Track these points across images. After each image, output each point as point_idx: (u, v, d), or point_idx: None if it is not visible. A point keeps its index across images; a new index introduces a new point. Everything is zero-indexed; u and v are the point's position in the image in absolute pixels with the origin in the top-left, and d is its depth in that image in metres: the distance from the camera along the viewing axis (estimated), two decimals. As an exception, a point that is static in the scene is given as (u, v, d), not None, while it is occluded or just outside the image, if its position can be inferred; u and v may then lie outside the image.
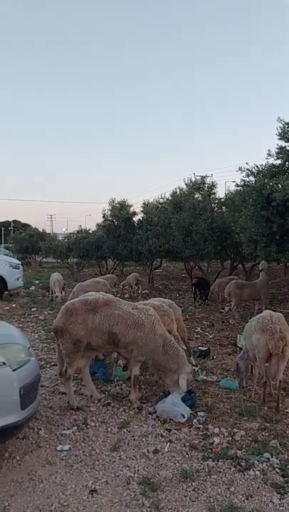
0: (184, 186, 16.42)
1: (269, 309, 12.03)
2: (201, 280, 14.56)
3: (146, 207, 17.71)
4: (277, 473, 3.63)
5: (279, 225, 9.91)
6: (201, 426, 4.51)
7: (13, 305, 12.83)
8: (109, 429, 4.47)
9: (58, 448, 4.06)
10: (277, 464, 3.76)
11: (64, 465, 3.79)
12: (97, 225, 21.83)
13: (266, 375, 5.16)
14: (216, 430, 4.39)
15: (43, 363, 6.76)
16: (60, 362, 5.27)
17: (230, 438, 4.25)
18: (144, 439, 4.25)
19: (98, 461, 3.85)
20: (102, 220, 18.76)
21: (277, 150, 11.34)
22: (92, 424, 4.58)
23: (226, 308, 12.19)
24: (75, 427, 4.48)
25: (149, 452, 3.98)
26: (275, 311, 12.02)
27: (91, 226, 21.71)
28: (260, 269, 11.80)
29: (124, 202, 18.33)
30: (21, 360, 3.82)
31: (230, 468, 3.71)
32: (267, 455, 3.87)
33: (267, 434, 4.35)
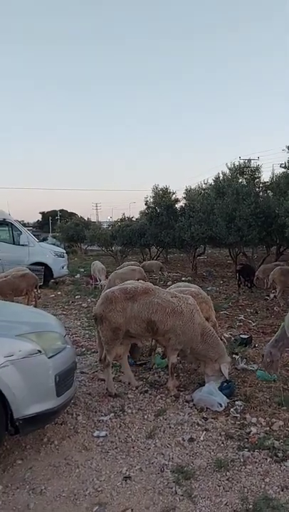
0: (227, 171, 16.06)
1: None
2: (246, 267, 14.27)
3: (189, 193, 17.51)
4: (315, 465, 3.53)
5: None
6: (238, 415, 4.45)
7: (59, 293, 13.13)
8: (145, 417, 4.49)
9: (95, 434, 4.13)
10: (315, 456, 3.65)
11: (100, 451, 3.85)
12: (141, 212, 21.86)
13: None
14: (254, 420, 4.32)
15: (83, 349, 6.90)
16: (100, 349, 5.35)
17: (268, 428, 4.17)
18: (179, 427, 4.25)
19: (133, 447, 3.89)
20: (145, 207, 18.74)
21: None
22: (129, 411, 4.62)
23: (271, 296, 11.91)
24: (112, 414, 4.54)
25: (184, 440, 3.98)
26: None
27: (135, 214, 21.86)
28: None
29: (167, 189, 18.22)
30: (57, 348, 3.89)
31: (266, 459, 3.64)
32: (305, 446, 3.77)
33: (306, 425, 4.23)
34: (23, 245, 13.94)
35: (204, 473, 3.48)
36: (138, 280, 10.47)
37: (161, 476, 3.44)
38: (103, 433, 4.13)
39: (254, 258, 16.92)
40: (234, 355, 6.20)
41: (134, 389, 5.22)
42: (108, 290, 5.31)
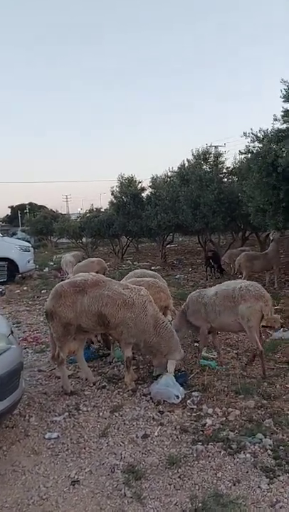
0: (192, 158, 15.93)
1: (283, 278, 11.94)
2: (215, 253, 14.28)
3: (155, 181, 17.35)
4: (269, 455, 3.46)
5: (286, 192, 9.49)
6: (195, 406, 4.36)
7: (25, 288, 12.85)
8: (100, 414, 4.35)
9: (46, 436, 3.97)
10: (269, 445, 3.58)
11: (50, 454, 3.70)
12: (109, 202, 21.60)
13: (260, 343, 5.09)
14: (210, 411, 4.23)
15: (43, 346, 6.72)
16: (52, 346, 5.17)
17: (224, 418, 4.09)
18: (134, 423, 4.13)
19: (85, 448, 3.74)
20: (111, 197, 18.50)
21: (282, 113, 10.82)
22: (84, 409, 4.47)
23: (238, 281, 11.93)
24: (67, 413, 4.38)
25: (138, 437, 3.86)
26: (288, 280, 11.87)
27: (105, 204, 21.56)
28: (271, 239, 11.48)
29: (132, 178, 18.02)
30: (-1, 350, 3.70)
31: (219, 452, 3.55)
32: (260, 436, 3.70)
33: (263, 412, 4.17)
34: (-15, 241, 13.53)
35: (156, 471, 3.36)
36: (97, 272, 10.39)
37: (111, 478, 3.31)
38: (55, 435, 3.98)
39: (221, 244, 16.97)
40: (195, 343, 6.12)
41: (91, 385, 5.07)
42: (58, 284, 5.12)
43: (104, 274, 10.75)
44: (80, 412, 4.42)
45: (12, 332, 4.21)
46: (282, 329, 6.89)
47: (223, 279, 12.68)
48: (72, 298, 4.82)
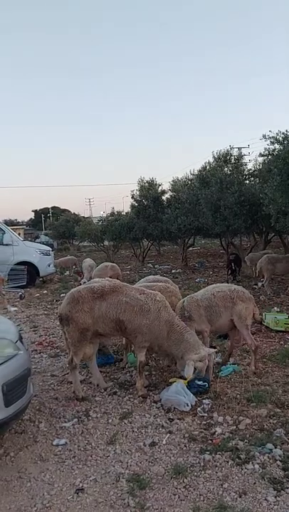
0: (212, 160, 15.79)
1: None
2: (237, 256, 14.11)
3: (175, 184, 17.28)
4: (278, 466, 3.35)
5: (307, 194, 9.31)
6: (206, 414, 4.28)
7: (44, 291, 12.95)
8: (109, 421, 4.31)
9: (54, 442, 3.95)
10: (279, 455, 3.48)
11: (56, 461, 3.67)
12: (130, 206, 21.66)
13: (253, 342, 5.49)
14: (220, 419, 4.14)
15: (58, 351, 6.73)
16: (68, 350, 5.16)
17: (235, 427, 3.99)
18: (143, 430, 4.07)
19: (91, 456, 3.70)
20: (132, 200, 18.53)
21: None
22: (94, 415, 4.44)
23: (259, 284, 11.75)
24: (76, 419, 4.35)
25: (145, 445, 3.80)
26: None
27: (128, 208, 21.57)
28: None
29: (153, 181, 18.00)
30: (6, 356, 3.70)
31: (227, 462, 3.46)
32: (270, 446, 3.60)
33: (275, 421, 4.06)
34: (6, 245, 13.71)
35: (161, 481, 3.29)
36: (110, 277, 10.46)
37: (115, 487, 3.26)
38: (63, 441, 3.95)
39: (245, 247, 16.76)
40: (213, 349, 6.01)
41: (102, 391, 5.04)
42: (74, 289, 5.11)
43: (118, 279, 10.88)
44: (90, 418, 4.39)
45: (21, 337, 4.21)
46: (301, 334, 6.72)
47: (245, 282, 12.53)
48: (90, 304, 4.81)
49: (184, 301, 5.48)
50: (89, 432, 4.11)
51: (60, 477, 3.44)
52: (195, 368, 4.62)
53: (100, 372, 5.34)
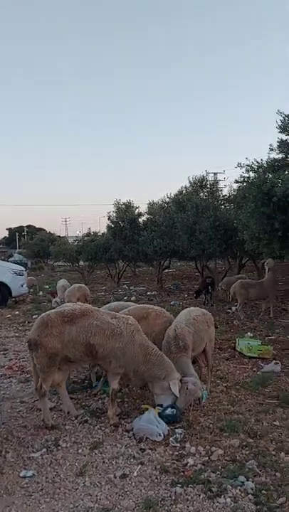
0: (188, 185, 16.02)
1: (280, 307, 11.82)
2: (212, 280, 14.23)
3: (152, 207, 17.41)
4: (250, 500, 3.31)
5: (281, 222, 9.47)
6: (178, 444, 4.20)
7: (16, 312, 12.71)
8: (80, 451, 4.19)
9: (21, 474, 3.81)
10: (251, 488, 3.43)
11: (23, 494, 3.54)
12: (107, 227, 21.65)
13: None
14: (193, 449, 4.08)
15: (28, 376, 6.56)
16: (35, 376, 5.04)
17: (207, 458, 3.94)
18: (114, 461, 3.97)
19: (60, 488, 3.58)
20: (108, 221, 18.54)
21: (278, 143, 10.92)
22: (64, 445, 4.32)
23: (233, 309, 11.83)
24: (45, 449, 4.22)
25: (116, 477, 3.70)
26: (285, 309, 11.75)
27: (105, 228, 21.51)
28: (267, 267, 11.40)
29: (130, 203, 18.08)
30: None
31: (199, 495, 3.39)
32: (242, 478, 3.55)
33: (247, 451, 4.02)
34: (-22, 264, 13.46)
35: (131, 515, 3.21)
36: (78, 298, 10.42)
37: (83, 523, 3.16)
38: (30, 473, 3.81)
39: (219, 270, 16.90)
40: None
41: (73, 419, 4.91)
42: (44, 314, 5.03)
43: (86, 300, 10.86)
44: (59, 448, 4.26)
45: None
46: (273, 361, 6.75)
47: (219, 306, 12.61)
48: (59, 328, 4.73)
49: (175, 330, 5.25)
50: (58, 463, 3.99)
51: (27, 512, 3.32)
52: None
53: (71, 399, 5.23)
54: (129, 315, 5.48)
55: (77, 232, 49.63)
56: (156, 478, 3.68)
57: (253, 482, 3.51)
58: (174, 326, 5.36)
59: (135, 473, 3.75)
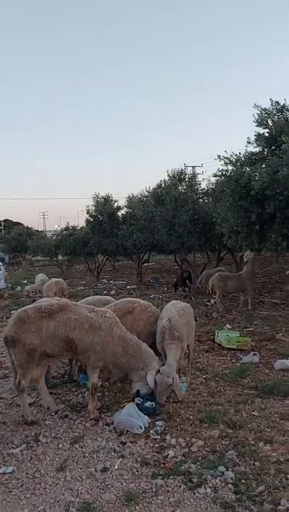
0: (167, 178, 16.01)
1: (257, 299, 11.97)
2: (189, 274, 14.32)
3: (131, 201, 17.36)
4: (230, 489, 3.36)
5: (258, 215, 9.59)
6: (159, 437, 4.23)
7: (-6, 308, 12.54)
8: (60, 446, 4.18)
9: (1, 470, 3.78)
10: (231, 478, 3.48)
11: (3, 491, 3.51)
12: (85, 221, 21.51)
13: None
14: (173, 441, 4.11)
15: (7, 371, 6.49)
16: (14, 372, 4.98)
17: (187, 449, 3.97)
18: (95, 455, 3.98)
19: (40, 484, 3.57)
20: (87, 215, 18.41)
21: (255, 137, 11.00)
22: (44, 440, 4.30)
23: (212, 301, 11.91)
24: (24, 445, 4.20)
25: (96, 471, 3.71)
26: (262, 301, 11.89)
27: (83, 223, 21.33)
28: (245, 260, 11.52)
29: (109, 197, 17.98)
30: None
31: (179, 487, 3.43)
32: (222, 468, 3.60)
33: (227, 442, 4.07)
34: None
35: (112, 508, 3.21)
36: (55, 292, 10.38)
37: (64, 517, 3.15)
38: (10, 469, 3.79)
39: (198, 264, 16.99)
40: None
41: (53, 414, 4.89)
42: (20, 309, 4.97)
43: (63, 295, 10.82)
44: (39, 443, 4.24)
45: None
46: (252, 353, 6.83)
47: (198, 298, 12.69)
48: (37, 323, 4.68)
49: (169, 321, 5.16)
50: (38, 458, 3.98)
51: (7, 508, 3.29)
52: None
53: (51, 394, 5.20)
54: (116, 309, 5.51)
55: (56, 226, 49.23)
56: (137, 470, 3.70)
57: (232, 472, 3.56)
58: (167, 318, 5.25)
59: (116, 467, 3.76)
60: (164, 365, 4.82)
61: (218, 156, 10.82)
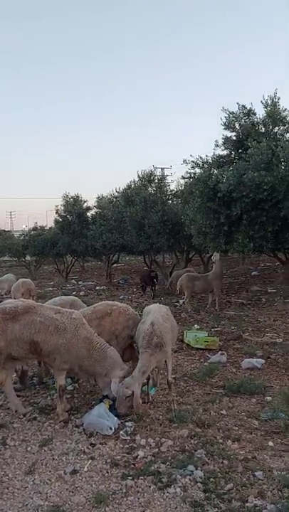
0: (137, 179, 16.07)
1: (225, 299, 12.15)
2: (156, 274, 14.39)
3: (100, 201, 17.32)
4: (199, 488, 3.40)
5: (226, 216, 9.77)
6: (128, 437, 4.23)
7: None
8: (28, 449, 4.13)
9: None
10: (200, 477, 3.52)
11: None
12: (54, 221, 21.29)
13: None
14: (143, 441, 4.12)
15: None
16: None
17: (157, 449, 3.99)
18: (64, 457, 3.95)
19: (8, 488, 3.52)
20: (56, 215, 18.26)
21: (223, 140, 11.20)
22: (12, 443, 4.23)
23: (180, 302, 12.01)
24: (-8, 449, 4.13)
25: (66, 474, 3.68)
26: (229, 301, 12.08)
27: (52, 223, 21.08)
28: (213, 260, 11.67)
29: (78, 197, 17.89)
30: None
31: (149, 487, 3.44)
32: (191, 467, 3.63)
33: (196, 441, 4.11)
34: None
35: (82, 511, 3.20)
36: (22, 293, 10.24)
37: (33, 521, 3.12)
38: (-23, 474, 3.72)
39: (167, 264, 17.12)
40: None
41: (21, 417, 4.82)
42: None
43: (30, 295, 10.71)
44: (7, 446, 4.18)
45: None
46: (219, 352, 6.93)
47: (167, 299, 12.76)
48: (1, 326, 4.61)
49: (152, 326, 4.87)
50: (6, 462, 3.91)
51: (-27, 514, 3.23)
52: None
53: (18, 396, 5.13)
54: (94, 311, 5.50)
55: (24, 226, 48.52)
56: (107, 472, 3.69)
57: (201, 471, 3.60)
58: (152, 323, 4.93)
59: (85, 469, 3.74)
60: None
61: (184, 160, 10.99)
